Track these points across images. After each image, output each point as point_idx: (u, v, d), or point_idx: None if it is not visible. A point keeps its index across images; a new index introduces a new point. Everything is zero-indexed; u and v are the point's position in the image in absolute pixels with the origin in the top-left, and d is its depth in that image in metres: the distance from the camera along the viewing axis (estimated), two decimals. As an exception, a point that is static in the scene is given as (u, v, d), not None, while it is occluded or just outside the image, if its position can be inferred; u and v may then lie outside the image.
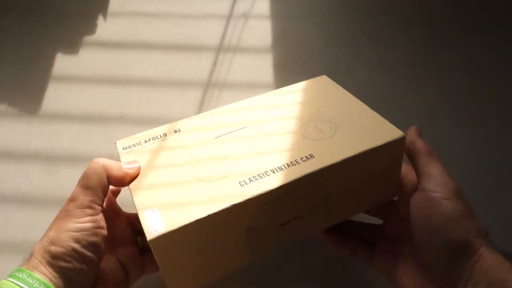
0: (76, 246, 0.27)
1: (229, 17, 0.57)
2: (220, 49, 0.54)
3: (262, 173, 0.31)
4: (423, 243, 0.29)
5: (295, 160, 0.32)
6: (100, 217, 0.30)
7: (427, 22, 0.55)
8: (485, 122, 0.49)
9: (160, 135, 0.35)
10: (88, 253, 0.28)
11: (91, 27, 0.56)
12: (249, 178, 0.31)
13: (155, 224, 0.27)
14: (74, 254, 0.27)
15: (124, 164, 0.32)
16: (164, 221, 0.27)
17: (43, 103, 0.52)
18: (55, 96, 0.52)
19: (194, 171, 0.32)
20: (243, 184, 0.30)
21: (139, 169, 0.32)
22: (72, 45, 0.55)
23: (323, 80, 0.41)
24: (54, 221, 0.30)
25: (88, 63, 0.54)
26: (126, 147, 0.35)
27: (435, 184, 0.30)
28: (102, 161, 0.31)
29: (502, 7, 0.56)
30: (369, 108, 0.38)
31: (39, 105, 0.51)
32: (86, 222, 0.29)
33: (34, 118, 0.51)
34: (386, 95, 0.51)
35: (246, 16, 0.56)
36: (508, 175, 0.46)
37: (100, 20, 0.57)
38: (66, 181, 0.47)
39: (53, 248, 0.27)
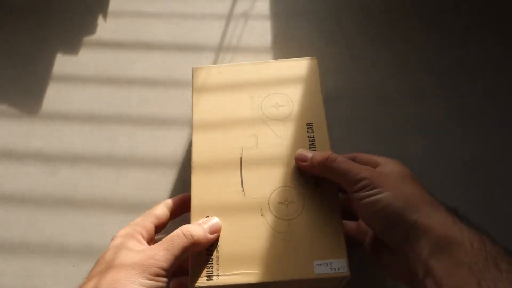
0: None
1: (229, 17, 0.57)
2: (220, 49, 0.54)
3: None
4: (364, 220, 0.33)
5: (311, 142, 0.38)
6: (166, 279, 0.31)
7: (428, 21, 0.55)
8: (484, 122, 0.49)
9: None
10: None
11: (91, 27, 0.56)
12: None
13: (337, 266, 0.32)
14: None
15: (208, 228, 0.34)
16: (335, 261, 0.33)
17: (43, 103, 0.51)
18: (55, 96, 0.52)
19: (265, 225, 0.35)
20: None
21: (219, 227, 0.35)
22: (72, 45, 0.55)
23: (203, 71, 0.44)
24: (121, 267, 0.30)
25: (88, 63, 0.54)
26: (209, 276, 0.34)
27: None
28: (191, 236, 0.32)
29: (503, 6, 0.56)
30: (270, 61, 0.44)
31: (39, 105, 0.51)
32: (157, 282, 0.30)
33: (34, 118, 0.51)
34: (386, 95, 0.51)
35: (246, 16, 0.56)
36: (509, 175, 0.46)
37: (100, 20, 0.57)
38: (66, 181, 0.47)
39: None
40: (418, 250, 0.28)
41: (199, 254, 0.34)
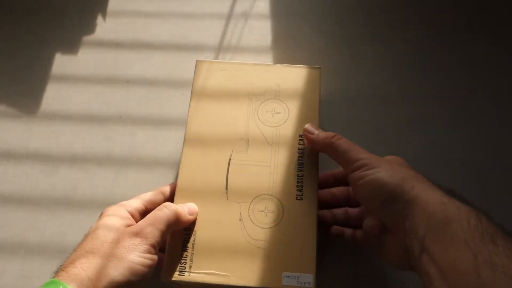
0: (133, 278, 0.30)
1: (229, 17, 0.57)
2: (220, 49, 0.54)
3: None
4: (362, 201, 0.34)
5: (300, 154, 0.38)
6: (156, 257, 0.32)
7: (428, 21, 0.55)
8: (484, 122, 0.49)
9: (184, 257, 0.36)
10: (138, 285, 0.31)
11: (90, 27, 0.56)
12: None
13: (304, 280, 0.33)
14: (127, 285, 0.29)
15: (187, 209, 0.36)
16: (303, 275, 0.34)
17: (43, 103, 0.51)
18: (55, 96, 0.52)
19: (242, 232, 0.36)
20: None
21: (196, 210, 0.37)
22: (71, 45, 0.55)
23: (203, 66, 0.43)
24: (109, 246, 0.31)
25: (87, 63, 0.54)
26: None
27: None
28: (174, 208, 0.34)
29: (503, 6, 0.56)
30: (273, 64, 0.43)
31: (39, 105, 0.51)
32: (147, 259, 0.31)
33: (33, 118, 0.51)
34: (386, 95, 0.51)
35: (246, 16, 0.56)
36: (508, 175, 0.46)
37: (99, 20, 0.57)
38: (66, 181, 0.47)
39: (112, 272, 0.29)
40: (415, 226, 0.28)
41: (175, 249, 0.35)
